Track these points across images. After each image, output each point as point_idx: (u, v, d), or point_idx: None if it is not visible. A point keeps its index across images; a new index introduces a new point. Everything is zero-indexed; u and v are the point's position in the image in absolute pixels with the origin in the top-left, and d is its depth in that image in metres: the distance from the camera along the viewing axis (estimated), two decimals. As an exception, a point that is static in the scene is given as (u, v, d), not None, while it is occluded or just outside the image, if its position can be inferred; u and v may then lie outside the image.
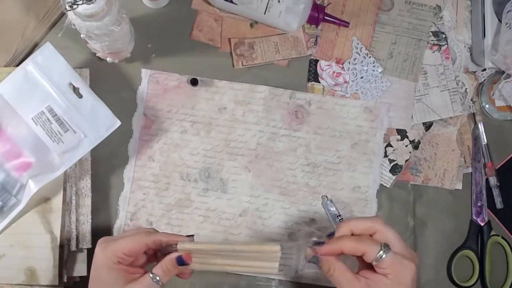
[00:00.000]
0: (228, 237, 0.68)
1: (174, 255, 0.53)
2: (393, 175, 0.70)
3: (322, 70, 0.71)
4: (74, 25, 0.56)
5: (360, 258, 0.51)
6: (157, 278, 0.52)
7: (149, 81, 0.69)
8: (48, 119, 0.62)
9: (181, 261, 0.53)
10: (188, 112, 0.69)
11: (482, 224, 0.71)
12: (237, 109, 0.70)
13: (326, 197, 0.67)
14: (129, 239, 0.54)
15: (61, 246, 0.62)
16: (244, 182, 0.69)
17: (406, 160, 0.70)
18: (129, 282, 0.53)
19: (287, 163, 0.69)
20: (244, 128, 0.70)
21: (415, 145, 0.71)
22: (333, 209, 0.67)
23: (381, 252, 0.48)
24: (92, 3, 0.52)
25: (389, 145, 0.70)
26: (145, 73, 0.69)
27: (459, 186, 0.71)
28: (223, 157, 0.69)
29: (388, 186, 0.70)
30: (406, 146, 0.70)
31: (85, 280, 0.65)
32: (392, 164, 0.70)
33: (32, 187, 0.61)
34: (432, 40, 0.72)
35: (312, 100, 0.70)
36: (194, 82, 0.68)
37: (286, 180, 0.69)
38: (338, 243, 0.51)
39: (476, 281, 0.69)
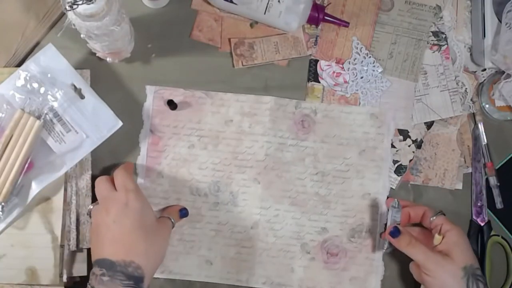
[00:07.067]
0: (240, 250, 0.68)
1: (177, 208, 0.66)
2: (398, 176, 0.70)
3: (322, 70, 0.71)
4: (74, 25, 0.56)
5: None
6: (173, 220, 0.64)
7: (154, 98, 0.68)
8: (51, 120, 0.62)
9: (184, 214, 0.66)
10: (194, 126, 0.69)
11: (482, 224, 0.71)
12: (243, 121, 0.69)
13: (398, 202, 0.65)
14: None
15: (62, 246, 0.63)
16: (254, 194, 0.68)
17: (410, 160, 0.70)
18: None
19: (296, 173, 0.69)
20: (252, 139, 0.69)
21: (418, 144, 0.70)
22: (397, 216, 0.64)
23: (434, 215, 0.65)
24: (92, 3, 0.52)
25: (392, 146, 0.70)
26: (149, 89, 0.68)
27: (459, 186, 0.71)
28: (232, 170, 0.68)
29: (393, 187, 0.70)
30: (409, 146, 0.70)
31: (85, 280, 0.65)
32: (396, 165, 0.70)
33: (34, 188, 0.61)
34: (432, 40, 0.72)
35: (317, 109, 0.70)
36: (171, 104, 0.67)
37: (295, 190, 0.69)
38: (406, 209, 0.66)
39: (476, 280, 0.70)
